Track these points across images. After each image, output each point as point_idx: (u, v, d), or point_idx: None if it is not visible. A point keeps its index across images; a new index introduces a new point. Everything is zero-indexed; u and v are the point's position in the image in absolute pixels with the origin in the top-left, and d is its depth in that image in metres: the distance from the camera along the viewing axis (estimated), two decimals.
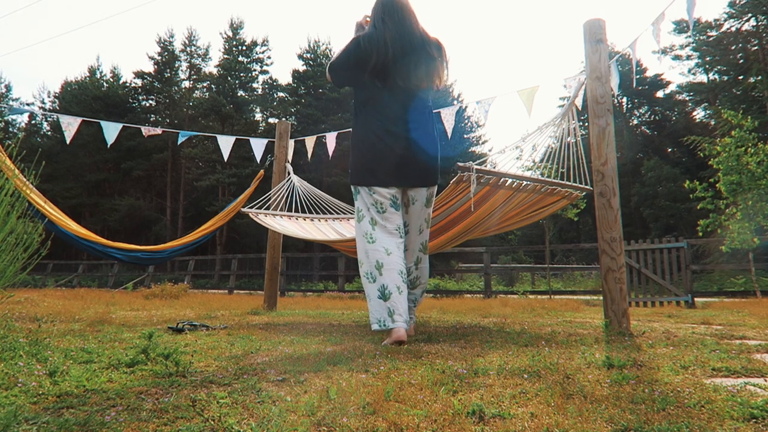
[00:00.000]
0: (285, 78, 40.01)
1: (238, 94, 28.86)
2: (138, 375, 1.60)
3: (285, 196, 5.01)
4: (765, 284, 9.00)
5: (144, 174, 28.89)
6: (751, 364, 1.74)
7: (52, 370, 1.54)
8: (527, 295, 9.19)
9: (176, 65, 31.25)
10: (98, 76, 32.65)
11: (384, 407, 1.19)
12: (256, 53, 30.05)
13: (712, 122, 21.76)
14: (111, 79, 32.46)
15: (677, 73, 68.44)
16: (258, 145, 5.59)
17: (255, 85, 30.54)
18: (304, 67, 28.02)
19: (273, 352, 2.10)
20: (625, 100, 28.21)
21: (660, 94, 27.74)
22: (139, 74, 30.73)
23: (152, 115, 31.81)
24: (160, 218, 27.71)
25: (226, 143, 5.52)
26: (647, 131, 28.39)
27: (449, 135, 4.99)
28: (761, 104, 20.01)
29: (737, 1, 21.40)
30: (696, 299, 7.03)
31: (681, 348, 2.17)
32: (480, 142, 27.93)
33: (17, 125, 32.09)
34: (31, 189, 4.13)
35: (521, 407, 1.21)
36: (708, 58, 23.68)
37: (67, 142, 5.08)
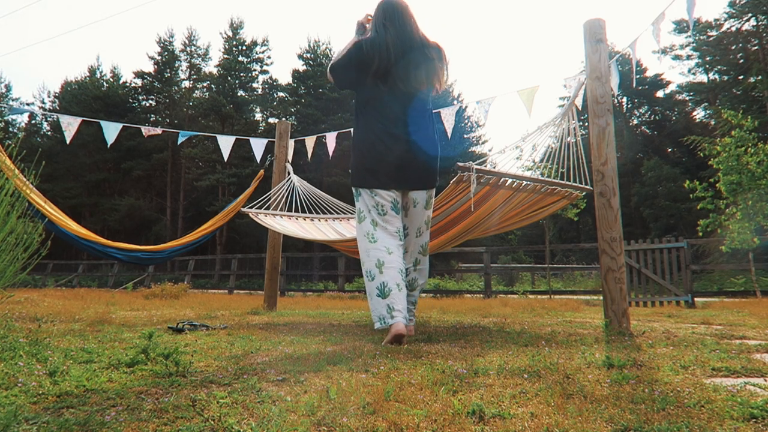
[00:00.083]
0: (285, 78, 40.06)
1: (238, 94, 28.86)
2: (138, 375, 1.60)
3: (285, 196, 5.01)
4: (765, 284, 9.00)
5: (144, 174, 28.89)
6: (751, 364, 1.74)
7: (52, 370, 1.54)
8: (527, 295, 9.19)
9: (176, 65, 31.25)
10: (98, 76, 32.66)
11: (384, 407, 1.19)
12: (256, 53, 30.06)
13: (712, 122, 21.76)
14: (111, 79, 32.46)
15: (677, 73, 68.52)
16: (258, 145, 5.59)
17: (255, 85, 30.55)
18: (304, 67, 28.02)
19: (273, 352, 2.10)
20: (625, 100, 28.21)
21: (660, 94, 27.74)
22: (139, 74, 30.73)
23: (152, 115, 31.81)
24: (160, 218, 27.71)
25: (226, 143, 5.52)
26: (647, 131, 28.39)
27: (449, 135, 4.99)
28: (761, 104, 20.01)
29: (737, 1, 21.40)
30: (696, 299, 7.03)
31: (681, 348, 2.17)
32: (480, 142, 27.94)
33: (17, 125, 32.11)
34: (31, 189, 4.13)
35: (521, 407, 1.21)
36: (708, 58, 23.67)
37: (67, 142, 5.08)
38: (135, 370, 1.67)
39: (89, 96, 29.47)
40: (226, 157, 5.51)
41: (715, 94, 23.49)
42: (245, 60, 29.69)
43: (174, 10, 69.66)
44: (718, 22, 22.97)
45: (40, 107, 32.98)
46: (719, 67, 23.22)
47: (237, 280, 15.20)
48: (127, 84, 31.94)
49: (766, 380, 1.53)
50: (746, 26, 22.07)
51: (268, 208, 4.97)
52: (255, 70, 30.23)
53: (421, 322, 3.56)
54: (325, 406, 1.20)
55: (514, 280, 15.28)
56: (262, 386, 1.42)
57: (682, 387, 1.39)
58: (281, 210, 4.99)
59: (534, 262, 19.95)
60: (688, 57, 25.21)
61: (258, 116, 30.25)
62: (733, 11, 21.79)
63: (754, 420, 1.11)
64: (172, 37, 31.41)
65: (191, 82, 31.48)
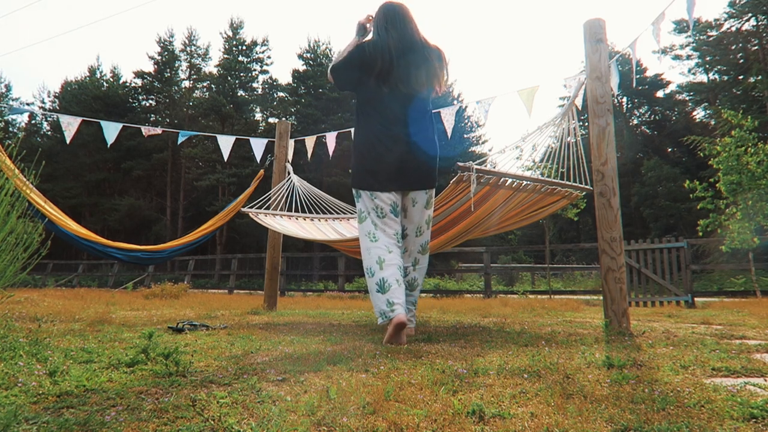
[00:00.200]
0: (285, 78, 40.06)
1: (238, 94, 28.86)
2: (138, 375, 1.60)
3: (285, 195, 5.01)
4: (765, 284, 8.99)
5: (144, 174, 28.89)
6: (751, 364, 1.74)
7: (52, 369, 1.54)
8: (527, 294, 9.18)
9: (176, 65, 31.25)
10: (98, 75, 32.65)
11: (384, 407, 1.19)
12: (256, 53, 30.06)
13: (712, 122, 21.76)
14: (111, 79, 32.45)
15: (677, 73, 68.53)
16: (258, 145, 5.58)
17: (255, 85, 30.55)
18: (304, 67, 28.01)
19: (273, 351, 2.10)
20: (625, 100, 28.21)
21: (660, 94, 27.73)
22: (139, 74, 30.73)
23: (152, 115, 31.81)
24: (160, 218, 27.71)
25: (226, 143, 5.52)
26: (647, 131, 28.38)
27: (449, 135, 4.99)
28: (761, 104, 20.01)
29: (737, 1, 21.39)
30: (696, 299, 7.03)
31: (681, 348, 2.17)
32: (480, 142, 27.93)
33: (17, 125, 32.09)
34: (31, 189, 4.12)
35: (521, 407, 1.21)
36: (708, 58, 23.67)
37: (67, 141, 5.08)
38: (135, 370, 1.67)
39: (89, 96, 29.47)
40: (226, 157, 5.51)
41: (715, 94, 23.49)
42: (245, 60, 29.68)
43: (174, 10, 69.69)
44: (718, 22, 22.97)
45: (40, 107, 32.97)
46: (719, 67, 23.21)
47: (237, 280, 15.19)
48: (127, 84, 31.94)
49: (766, 380, 1.53)
50: (746, 26, 22.07)
51: (268, 208, 4.97)
52: (255, 70, 30.23)
53: (421, 322, 3.56)
54: (325, 406, 1.20)
55: (514, 280, 15.27)
56: (262, 386, 1.42)
57: (682, 387, 1.39)
58: (281, 210, 4.99)
59: (534, 262, 19.94)
60: (688, 57, 25.22)
61: (258, 116, 30.25)
62: (733, 11, 21.79)
63: (754, 420, 1.11)
64: (172, 37, 31.42)
65: (191, 82, 31.48)
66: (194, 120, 28.72)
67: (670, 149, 26.05)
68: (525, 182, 3.01)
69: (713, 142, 8.91)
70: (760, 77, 19.20)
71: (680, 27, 24.47)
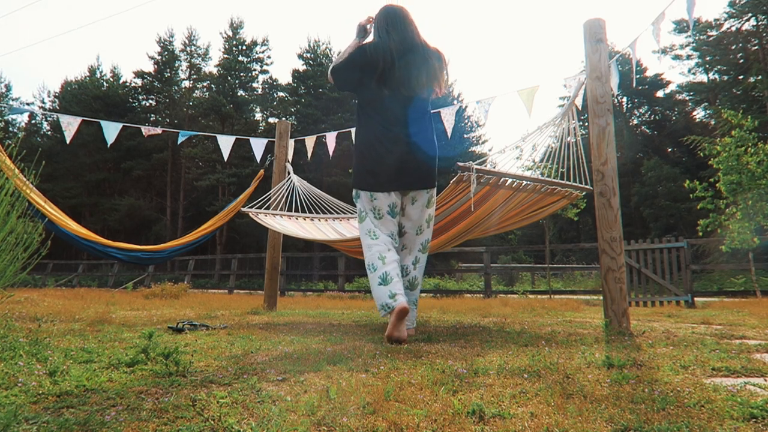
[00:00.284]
0: (285, 78, 40.08)
1: (238, 94, 28.86)
2: (138, 375, 1.60)
3: (285, 195, 5.01)
4: (765, 284, 8.99)
5: (144, 174, 28.89)
6: (751, 364, 1.74)
7: (52, 369, 1.54)
8: (527, 294, 9.18)
9: (176, 65, 31.25)
10: (98, 75, 32.65)
11: (384, 407, 1.19)
12: (256, 53, 30.06)
13: (712, 122, 21.76)
14: (111, 79, 32.46)
15: (677, 72, 68.50)
16: (258, 145, 5.58)
17: (255, 84, 30.55)
18: (304, 67, 28.01)
19: (273, 351, 2.10)
20: (625, 100, 28.20)
21: (660, 93, 27.73)
22: (139, 74, 30.73)
23: (152, 115, 31.81)
24: (160, 218, 27.71)
25: (226, 143, 5.52)
26: (647, 131, 28.38)
27: (449, 135, 4.99)
28: (761, 104, 20.01)
29: (737, 1, 21.39)
30: (696, 299, 7.03)
31: (681, 348, 2.17)
32: (480, 141, 27.91)
33: (17, 125, 32.10)
34: (31, 189, 4.13)
35: (521, 407, 1.21)
36: (708, 58, 23.67)
37: (67, 141, 5.08)
38: (135, 369, 1.67)
39: (89, 96, 29.47)
40: (226, 156, 5.51)
41: (715, 94, 23.49)
42: (245, 60, 29.68)
43: (174, 10, 69.70)
44: (718, 22, 22.97)
45: (40, 107, 32.97)
46: (719, 67, 23.21)
47: (237, 279, 15.19)
48: (127, 84, 31.95)
49: (766, 380, 1.53)
50: (746, 26, 22.07)
51: (268, 208, 4.97)
52: (255, 70, 30.23)
53: (421, 322, 3.56)
54: (325, 406, 1.20)
55: (514, 280, 15.27)
56: (262, 386, 1.42)
57: (682, 387, 1.39)
58: (281, 210, 4.99)
59: (534, 262, 19.94)
60: (688, 57, 25.22)
61: (258, 116, 30.25)
62: (733, 11, 21.79)
63: (754, 420, 1.11)
64: (172, 37, 31.42)
65: (191, 81, 31.47)
66: (194, 120, 28.72)
67: (670, 149, 26.04)
68: (525, 182, 3.01)
69: (713, 142, 8.91)
70: (760, 77, 19.20)
71: (680, 27, 24.47)
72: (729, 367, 1.69)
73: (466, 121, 26.95)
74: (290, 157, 5.44)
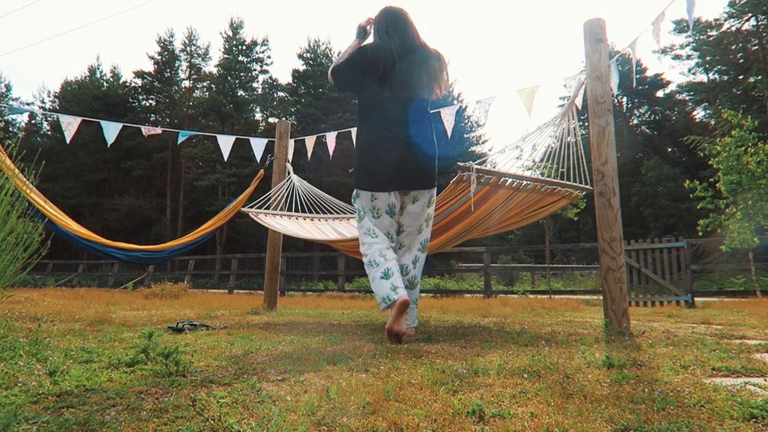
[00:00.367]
0: (285, 78, 40.06)
1: (238, 94, 28.85)
2: (138, 374, 1.60)
3: (285, 195, 5.01)
4: (765, 284, 8.99)
5: (144, 174, 28.89)
6: (751, 364, 1.74)
7: (52, 369, 1.54)
8: (527, 294, 9.18)
9: (176, 65, 31.23)
10: (98, 75, 32.63)
11: (384, 407, 1.19)
12: (256, 53, 30.04)
13: (712, 122, 21.75)
14: (111, 79, 32.44)
15: (677, 72, 68.50)
16: (258, 145, 5.58)
17: (255, 84, 30.54)
18: (304, 67, 28.01)
19: (273, 351, 2.10)
20: (625, 99, 28.20)
21: (660, 93, 27.72)
22: (139, 74, 30.72)
23: (152, 115, 31.80)
24: (160, 218, 27.70)
25: (226, 143, 5.52)
26: (647, 131, 28.37)
27: (449, 135, 4.99)
28: (761, 104, 20.00)
29: (737, 1, 21.39)
30: (696, 299, 7.03)
31: (681, 348, 2.17)
32: (480, 141, 27.91)
33: (17, 125, 32.08)
34: (31, 188, 4.12)
35: (521, 407, 1.21)
36: (708, 58, 23.66)
37: (67, 141, 5.08)
38: (135, 369, 1.67)
39: (89, 96, 29.46)
40: (226, 156, 5.51)
41: (715, 94, 23.48)
42: (245, 60, 29.67)
43: (174, 10, 69.68)
44: (718, 22, 22.96)
45: (40, 107, 32.96)
46: (719, 67, 23.20)
47: (237, 279, 15.18)
48: (127, 84, 31.93)
49: (766, 380, 1.53)
50: (746, 26, 22.06)
51: (268, 208, 4.97)
52: (255, 69, 30.22)
53: (421, 322, 3.56)
54: (325, 406, 1.20)
55: (514, 279, 15.27)
56: (262, 386, 1.42)
57: (682, 387, 1.39)
58: (281, 210, 4.99)
59: (534, 262, 19.94)
60: (688, 57, 25.21)
61: (258, 116, 30.24)
62: (733, 11, 21.78)
63: (754, 420, 1.11)
64: (172, 36, 31.41)
65: (191, 81, 31.46)
66: (194, 120, 28.72)
67: (670, 149, 26.04)
68: (525, 182, 3.01)
69: (713, 142, 8.91)
70: (760, 77, 19.19)
71: (680, 27, 24.46)
72: (729, 367, 1.69)
73: (466, 121, 26.95)
74: (290, 157, 5.44)
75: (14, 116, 31.96)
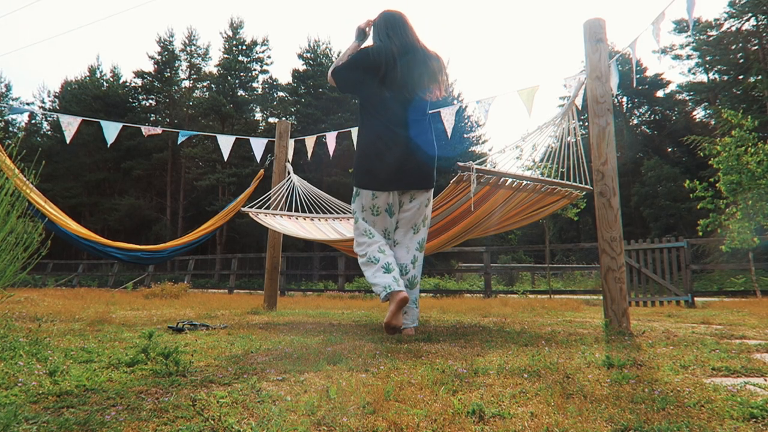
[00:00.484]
0: (285, 78, 40.09)
1: (238, 94, 28.85)
2: (138, 374, 1.60)
3: (285, 195, 5.01)
4: (765, 284, 8.99)
5: (144, 174, 28.89)
6: (751, 364, 1.74)
7: (52, 369, 1.54)
8: (527, 294, 9.18)
9: (176, 65, 31.23)
10: (98, 75, 32.63)
11: (384, 407, 1.19)
12: (256, 53, 30.05)
13: (712, 122, 21.76)
14: (111, 79, 32.44)
15: (677, 72, 68.51)
16: (258, 145, 5.58)
17: (255, 84, 30.54)
18: (304, 67, 28.01)
19: (273, 351, 2.10)
20: (625, 99, 28.20)
21: (660, 93, 27.72)
22: (139, 74, 30.72)
23: (152, 115, 31.80)
24: (160, 218, 27.70)
25: (226, 143, 5.52)
26: (647, 131, 28.37)
27: (449, 134, 4.99)
28: (761, 104, 20.00)
29: (737, 1, 21.38)
30: (696, 299, 7.03)
31: (681, 348, 2.17)
32: (480, 141, 27.89)
33: (17, 125, 32.09)
34: (31, 188, 4.12)
35: (521, 407, 1.21)
36: (708, 58, 23.66)
37: (67, 141, 5.08)
38: (135, 369, 1.67)
39: (89, 96, 29.46)
40: (226, 156, 5.51)
41: (715, 93, 23.48)
42: (245, 60, 29.67)
43: (174, 10, 69.68)
44: (718, 22, 22.96)
45: (40, 107, 32.96)
46: (719, 66, 23.20)
47: (237, 279, 15.19)
48: (127, 84, 31.93)
49: (766, 380, 1.53)
50: (746, 26, 22.06)
51: (268, 208, 4.97)
52: (255, 69, 30.22)
53: (421, 322, 3.56)
54: (325, 406, 1.20)
55: (514, 279, 15.27)
56: (262, 386, 1.42)
57: (682, 387, 1.39)
58: (281, 210, 4.99)
59: (534, 262, 19.94)
60: (688, 57, 25.21)
61: (258, 116, 30.25)
62: (733, 11, 21.77)
63: (754, 420, 1.11)
64: (172, 36, 31.41)
65: (191, 81, 31.47)
66: (194, 120, 28.72)
67: (670, 149, 26.04)
68: (525, 182, 3.01)
69: (713, 142, 8.91)
70: (760, 77, 19.19)
71: (680, 27, 24.46)
72: (729, 367, 1.69)
73: (466, 121, 26.92)
74: (290, 156, 5.44)
75: (14, 116, 31.98)
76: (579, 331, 2.86)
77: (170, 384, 1.45)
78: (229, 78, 28.55)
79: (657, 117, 28.22)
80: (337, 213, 5.05)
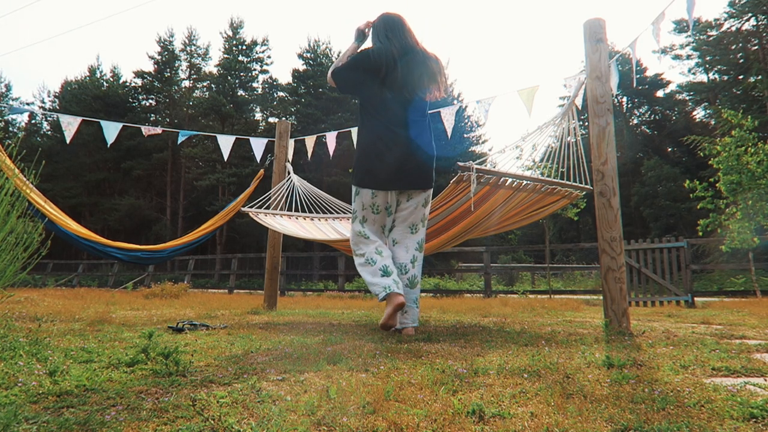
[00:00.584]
0: (285, 77, 40.09)
1: (238, 94, 28.85)
2: (138, 374, 1.60)
3: (285, 195, 5.01)
4: (765, 284, 8.99)
5: (144, 174, 28.88)
6: (751, 364, 1.74)
7: (52, 369, 1.54)
8: (527, 294, 9.18)
9: (176, 65, 31.23)
10: (98, 75, 32.63)
11: (384, 407, 1.19)
12: (256, 53, 30.05)
13: (712, 122, 21.77)
14: (111, 79, 32.44)
15: (677, 72, 68.48)
16: (258, 145, 5.58)
17: (255, 84, 30.54)
18: (304, 67, 28.00)
19: (273, 351, 2.10)
20: (625, 99, 28.19)
21: (660, 93, 27.72)
22: (139, 74, 30.72)
23: (152, 115, 31.80)
24: (160, 218, 27.70)
25: (226, 143, 5.52)
26: (647, 131, 28.37)
27: (449, 134, 4.98)
28: (761, 104, 20.00)
29: (737, 1, 21.38)
30: (696, 299, 7.02)
31: (681, 348, 2.17)
32: (480, 141, 27.90)
33: (17, 125, 32.08)
34: (31, 188, 4.12)
35: (521, 407, 1.21)
36: (708, 58, 23.66)
37: (67, 141, 5.08)
38: (135, 369, 1.67)
39: (89, 96, 29.45)
40: (226, 156, 5.51)
41: (715, 93, 23.47)
42: (245, 60, 29.67)
43: (174, 10, 69.68)
44: (718, 22, 22.95)
45: (40, 107, 32.95)
46: (719, 66, 23.20)
47: (237, 279, 15.19)
48: (127, 84, 31.92)
49: (766, 380, 1.53)
50: (746, 26, 22.05)
51: (268, 208, 4.97)
52: (255, 69, 30.22)
53: (421, 322, 3.56)
54: (325, 406, 1.20)
55: (514, 279, 15.27)
56: (262, 386, 1.42)
57: (682, 387, 1.39)
58: (281, 209, 4.99)
59: (534, 262, 19.94)
60: (688, 57, 25.20)
61: (258, 116, 30.24)
62: (733, 11, 21.77)
63: (754, 420, 1.11)
64: (172, 36, 31.40)
65: (191, 81, 31.47)
66: (194, 120, 28.71)
67: (670, 149, 26.04)
68: (525, 182, 3.02)
69: (713, 142, 8.91)
70: (760, 77, 19.19)
71: (680, 27, 24.46)
72: (729, 367, 1.69)
73: (466, 120, 26.94)
74: (290, 156, 5.44)
75: (14, 116, 31.98)
76: (579, 331, 2.86)
77: (170, 384, 1.45)
78: (229, 78, 28.56)
79: (657, 117, 28.22)
80: (337, 213, 5.05)
